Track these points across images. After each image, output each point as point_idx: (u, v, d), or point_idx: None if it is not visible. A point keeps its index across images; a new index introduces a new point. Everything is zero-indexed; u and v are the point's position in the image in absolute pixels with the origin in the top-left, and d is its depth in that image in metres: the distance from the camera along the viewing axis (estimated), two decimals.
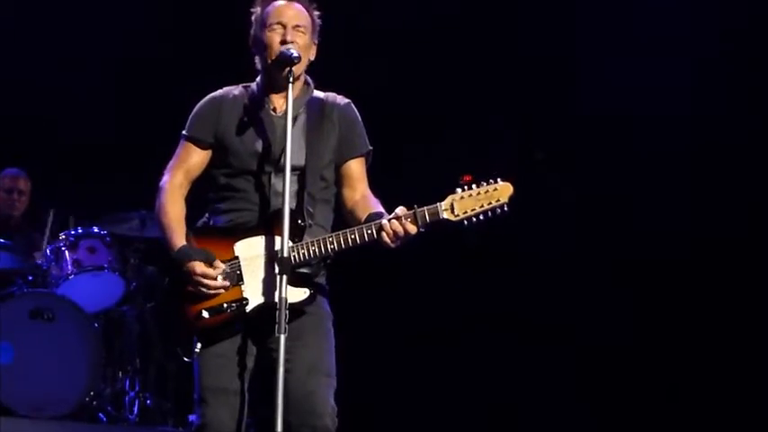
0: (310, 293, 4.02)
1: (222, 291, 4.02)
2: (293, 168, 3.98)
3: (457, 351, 7.94)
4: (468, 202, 3.94)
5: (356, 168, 4.24)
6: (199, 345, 4.04)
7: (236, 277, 4.04)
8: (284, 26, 4.11)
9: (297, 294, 3.96)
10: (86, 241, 7.26)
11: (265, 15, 4.17)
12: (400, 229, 3.91)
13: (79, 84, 8.25)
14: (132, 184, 6.71)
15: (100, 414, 7.06)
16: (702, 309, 7.59)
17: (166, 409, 7.26)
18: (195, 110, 4.25)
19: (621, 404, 7.67)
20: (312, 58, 4.21)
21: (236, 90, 4.26)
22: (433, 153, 8.05)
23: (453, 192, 3.96)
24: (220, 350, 4.05)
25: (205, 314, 4.03)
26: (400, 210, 3.96)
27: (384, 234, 3.93)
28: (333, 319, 4.19)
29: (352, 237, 3.97)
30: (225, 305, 4.03)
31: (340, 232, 4.01)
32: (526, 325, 7.93)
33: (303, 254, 3.98)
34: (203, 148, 4.19)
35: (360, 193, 4.19)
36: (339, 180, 4.23)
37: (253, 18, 4.23)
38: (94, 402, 6.99)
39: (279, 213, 3.92)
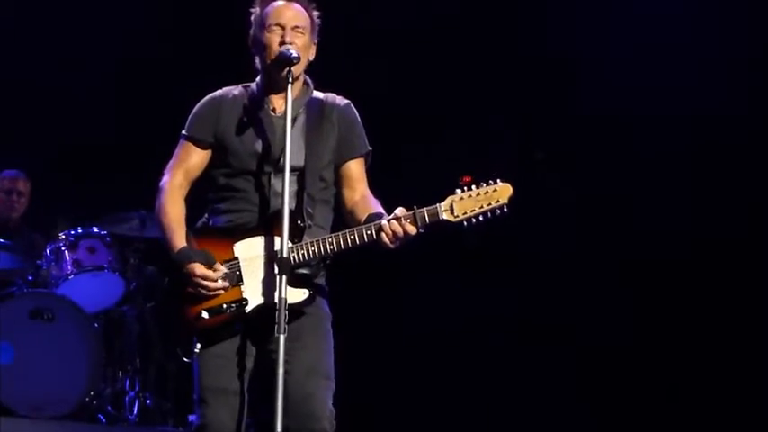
0: (310, 294, 4.01)
1: (222, 292, 4.02)
2: (293, 169, 3.98)
3: (456, 352, 7.94)
4: (467, 203, 3.93)
5: (355, 169, 4.23)
6: (198, 345, 4.04)
7: (235, 278, 4.04)
8: (283, 27, 4.11)
9: (296, 295, 3.96)
10: (86, 241, 7.26)
11: (264, 16, 4.16)
12: (400, 230, 3.91)
13: (79, 84, 8.24)
14: (132, 184, 6.71)
15: (100, 414, 7.05)
16: (702, 309, 7.59)
17: (166, 409, 7.26)
18: (195, 110, 4.25)
19: (621, 404, 7.66)
20: (311, 58, 4.21)
21: (235, 90, 4.26)
22: (432, 153, 8.04)
23: (453, 193, 3.95)
24: (220, 350, 4.05)
25: (205, 315, 4.03)
26: (400, 210, 3.95)
27: (383, 235, 3.92)
28: (332, 319, 4.18)
29: (352, 237, 3.97)
30: (224, 306, 4.03)
31: (339, 233, 4.01)
32: (526, 325, 7.93)
33: (302, 254, 3.98)
34: (203, 148, 4.19)
35: (359, 194, 4.19)
36: (338, 181, 4.23)
37: (252, 19, 4.23)
38: (94, 402, 6.99)
39: (278, 214, 3.92)
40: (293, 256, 3.94)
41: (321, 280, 4.15)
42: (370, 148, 4.28)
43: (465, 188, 3.95)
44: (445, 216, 3.94)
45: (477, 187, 3.96)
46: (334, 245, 3.98)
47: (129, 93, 8.29)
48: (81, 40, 8.16)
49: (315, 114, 4.19)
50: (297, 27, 4.12)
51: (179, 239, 4.06)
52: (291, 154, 3.96)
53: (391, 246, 3.93)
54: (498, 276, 7.94)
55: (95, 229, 7.36)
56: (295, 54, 4.03)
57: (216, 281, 4.00)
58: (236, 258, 4.06)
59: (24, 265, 7.15)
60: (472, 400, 7.86)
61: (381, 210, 4.07)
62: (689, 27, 7.50)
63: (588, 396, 7.73)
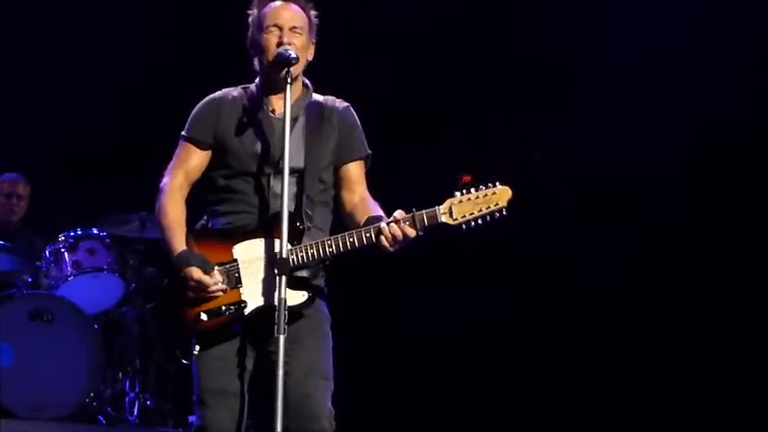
0: (309, 296, 4.01)
1: (220, 294, 4.01)
2: (292, 170, 3.98)
3: (456, 353, 7.93)
4: (466, 206, 3.93)
5: (355, 171, 4.23)
6: (197, 347, 4.04)
7: (234, 280, 4.04)
8: (281, 28, 4.11)
9: (295, 297, 3.96)
10: (86, 243, 7.28)
11: (262, 17, 4.16)
12: (399, 233, 3.91)
13: (79, 84, 8.24)
14: (131, 185, 6.72)
15: (100, 415, 7.07)
16: (702, 309, 7.58)
17: (166, 411, 7.27)
18: (194, 111, 4.25)
19: (621, 404, 7.66)
20: (310, 58, 4.21)
21: (235, 91, 4.26)
22: (432, 153, 8.03)
23: (452, 195, 3.95)
24: (219, 352, 4.05)
25: (203, 317, 4.02)
26: (398, 213, 3.95)
27: (383, 238, 3.92)
28: (331, 321, 4.18)
29: (351, 240, 3.97)
30: (223, 308, 4.02)
31: (338, 235, 4.00)
32: (525, 327, 7.92)
33: (301, 256, 3.97)
34: (203, 149, 4.19)
35: (358, 196, 4.19)
36: (338, 183, 4.23)
37: (249, 20, 4.22)
38: (94, 404, 7.01)
39: (278, 216, 3.91)
40: (292, 259, 3.94)
41: (320, 282, 4.14)
42: (370, 152, 4.27)
43: (464, 191, 3.94)
44: (444, 219, 3.93)
45: (477, 190, 3.94)
46: (333, 247, 3.97)
47: (129, 93, 8.28)
48: (81, 40, 8.16)
49: (315, 117, 4.19)
50: (294, 27, 4.12)
51: (179, 242, 4.06)
52: (291, 155, 3.96)
53: (390, 249, 3.92)
54: (497, 277, 7.93)
55: (95, 231, 7.38)
56: (293, 54, 4.03)
57: (212, 285, 3.99)
58: (235, 260, 4.06)
59: (24, 267, 7.16)
60: (472, 401, 7.85)
61: (381, 212, 4.07)
62: (689, 27, 7.49)
63: (588, 396, 7.72)
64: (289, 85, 4.01)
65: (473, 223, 3.94)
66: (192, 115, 4.24)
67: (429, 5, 8.02)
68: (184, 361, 4.07)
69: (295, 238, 3.98)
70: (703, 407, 7.45)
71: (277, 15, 4.14)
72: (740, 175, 7.57)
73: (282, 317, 3.80)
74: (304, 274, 4.01)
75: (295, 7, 4.17)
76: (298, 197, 4.08)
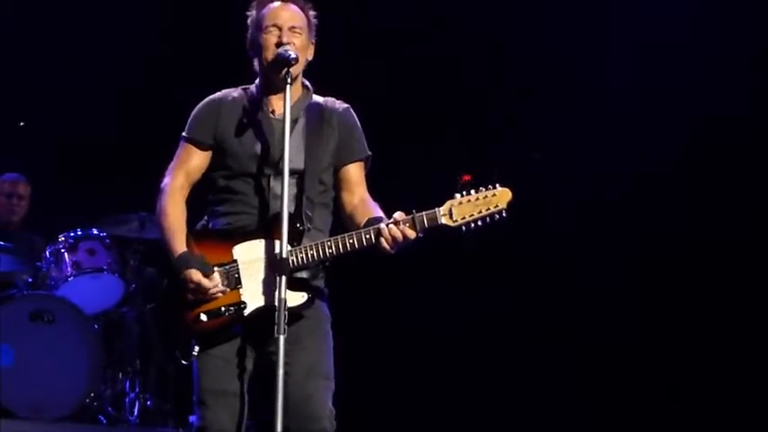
0: (308, 297, 4.01)
1: (220, 295, 4.02)
2: (292, 172, 3.98)
3: (456, 354, 7.94)
4: (466, 208, 3.93)
5: (354, 172, 4.23)
6: (196, 348, 4.04)
7: (234, 280, 4.04)
8: (280, 28, 4.11)
9: (295, 298, 3.96)
10: (86, 243, 7.27)
11: (261, 18, 4.16)
12: (399, 235, 3.90)
13: (79, 84, 8.24)
14: (131, 185, 6.72)
15: (100, 416, 7.07)
16: (702, 309, 7.58)
17: (167, 411, 7.26)
18: (194, 112, 4.25)
19: (621, 404, 7.66)
20: (310, 58, 4.21)
21: (235, 92, 4.26)
22: (432, 153, 8.03)
23: (452, 197, 3.95)
24: (219, 353, 4.05)
25: (203, 317, 4.03)
26: (399, 215, 3.95)
27: (383, 239, 3.92)
28: (332, 321, 4.18)
29: (351, 242, 3.97)
30: (223, 308, 4.03)
31: (338, 237, 4.00)
32: (525, 328, 7.92)
33: (301, 258, 3.97)
34: (203, 149, 4.19)
35: (358, 197, 4.19)
36: (338, 184, 4.23)
37: (249, 21, 4.23)
38: (95, 404, 7.01)
39: (278, 217, 3.92)
40: (292, 260, 3.94)
41: (320, 282, 4.14)
42: (370, 153, 4.27)
43: (464, 193, 3.94)
44: (444, 221, 3.93)
45: (477, 192, 3.95)
46: (333, 249, 3.97)
47: (129, 93, 8.28)
48: (81, 40, 8.15)
49: (315, 118, 4.19)
50: (294, 27, 4.12)
51: (179, 243, 4.06)
52: (291, 157, 3.96)
53: (390, 251, 3.92)
54: (497, 279, 7.93)
55: (95, 231, 7.37)
56: (293, 55, 4.03)
57: (211, 288, 3.99)
58: (235, 261, 4.06)
59: (24, 268, 7.16)
60: (472, 401, 7.85)
61: (381, 213, 4.07)
62: (689, 27, 7.49)
63: (588, 396, 7.72)
64: (288, 86, 4.01)
65: (473, 225, 3.94)
66: (192, 116, 4.24)
67: (429, 5, 8.01)
68: (183, 362, 4.07)
69: (295, 239, 3.98)
70: (703, 407, 7.45)
71: (276, 15, 4.14)
72: (740, 175, 7.57)
73: (282, 317, 3.80)
74: (304, 275, 4.01)
75: (294, 7, 4.17)
76: (298, 198, 4.08)
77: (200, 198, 4.26)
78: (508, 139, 8.18)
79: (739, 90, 7.46)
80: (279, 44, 4.08)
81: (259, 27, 4.15)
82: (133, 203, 7.18)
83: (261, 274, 4.02)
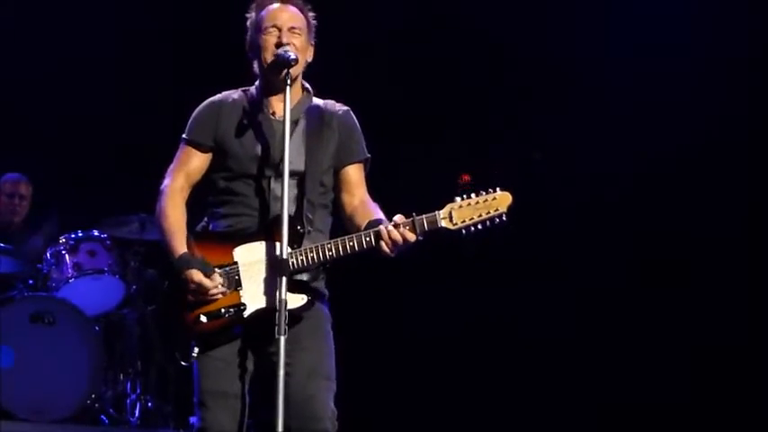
0: (308, 299, 4.01)
1: (220, 296, 4.02)
2: (292, 173, 3.98)
3: (456, 357, 7.93)
4: (466, 212, 3.93)
5: (354, 174, 4.24)
6: (196, 349, 4.04)
7: (234, 282, 4.04)
8: (279, 29, 4.11)
9: (295, 300, 3.96)
10: (86, 244, 7.27)
11: (260, 19, 4.16)
12: (398, 238, 3.91)
13: (79, 84, 8.24)
14: (132, 187, 6.71)
15: (101, 417, 7.08)
16: (702, 309, 7.58)
17: (167, 412, 7.26)
18: (195, 113, 4.25)
19: (621, 406, 7.65)
20: (309, 59, 4.21)
21: (235, 94, 4.26)
22: (432, 153, 8.03)
23: (452, 200, 3.95)
24: (219, 354, 4.05)
25: (203, 318, 4.03)
26: (399, 218, 3.95)
27: (383, 242, 3.92)
28: (333, 322, 4.19)
29: (351, 244, 3.97)
30: (223, 310, 4.03)
31: (338, 239, 4.00)
32: (526, 329, 7.92)
33: (301, 260, 3.97)
34: (203, 151, 4.19)
35: (358, 199, 4.19)
36: (338, 186, 4.23)
37: (248, 23, 4.23)
38: (96, 405, 7.02)
39: (278, 219, 3.92)
40: (292, 262, 3.94)
41: (320, 283, 4.14)
42: (369, 155, 4.28)
43: (464, 196, 3.94)
44: (444, 224, 3.93)
45: (477, 195, 3.95)
46: (333, 251, 3.98)
47: (129, 93, 8.28)
48: (81, 40, 8.15)
49: (315, 120, 4.19)
50: (293, 28, 4.12)
51: (179, 244, 4.06)
52: (291, 158, 3.96)
53: (390, 253, 3.92)
54: (498, 280, 7.93)
55: (95, 233, 7.37)
56: (293, 56, 4.03)
57: (212, 289, 3.99)
58: (236, 263, 4.06)
59: (25, 269, 7.17)
60: (472, 404, 7.85)
61: (381, 215, 4.07)
62: (689, 27, 7.49)
63: (588, 397, 7.72)
64: (288, 87, 4.00)
65: (473, 228, 3.94)
66: (192, 118, 4.24)
67: (429, 5, 8.01)
68: (183, 363, 4.07)
69: (295, 241, 3.98)
70: (703, 407, 7.45)
71: (275, 16, 4.14)
72: (740, 175, 7.57)
73: (283, 317, 3.80)
74: (304, 277, 4.01)
75: (293, 8, 4.18)
76: (298, 200, 4.08)
77: (201, 199, 4.26)
78: (508, 139, 8.19)
79: (739, 90, 7.46)
80: (278, 45, 4.08)
81: (258, 28, 4.15)
82: (134, 205, 7.18)
83: (261, 276, 4.02)
